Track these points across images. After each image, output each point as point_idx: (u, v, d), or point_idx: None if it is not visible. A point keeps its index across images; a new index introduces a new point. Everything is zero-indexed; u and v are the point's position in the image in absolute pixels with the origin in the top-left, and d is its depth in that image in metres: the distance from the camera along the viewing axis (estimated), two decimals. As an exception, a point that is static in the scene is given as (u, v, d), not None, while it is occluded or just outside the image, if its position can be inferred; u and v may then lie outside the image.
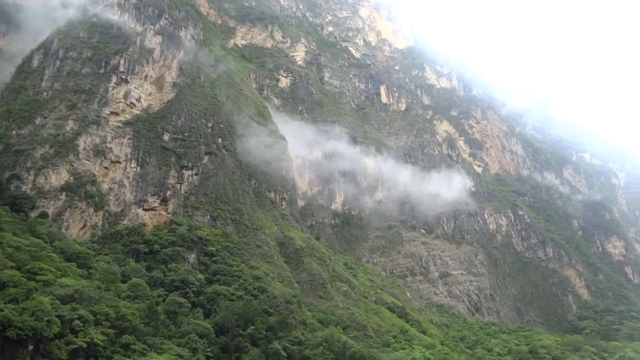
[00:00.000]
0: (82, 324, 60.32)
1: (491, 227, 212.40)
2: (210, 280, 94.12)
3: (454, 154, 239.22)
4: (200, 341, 73.20)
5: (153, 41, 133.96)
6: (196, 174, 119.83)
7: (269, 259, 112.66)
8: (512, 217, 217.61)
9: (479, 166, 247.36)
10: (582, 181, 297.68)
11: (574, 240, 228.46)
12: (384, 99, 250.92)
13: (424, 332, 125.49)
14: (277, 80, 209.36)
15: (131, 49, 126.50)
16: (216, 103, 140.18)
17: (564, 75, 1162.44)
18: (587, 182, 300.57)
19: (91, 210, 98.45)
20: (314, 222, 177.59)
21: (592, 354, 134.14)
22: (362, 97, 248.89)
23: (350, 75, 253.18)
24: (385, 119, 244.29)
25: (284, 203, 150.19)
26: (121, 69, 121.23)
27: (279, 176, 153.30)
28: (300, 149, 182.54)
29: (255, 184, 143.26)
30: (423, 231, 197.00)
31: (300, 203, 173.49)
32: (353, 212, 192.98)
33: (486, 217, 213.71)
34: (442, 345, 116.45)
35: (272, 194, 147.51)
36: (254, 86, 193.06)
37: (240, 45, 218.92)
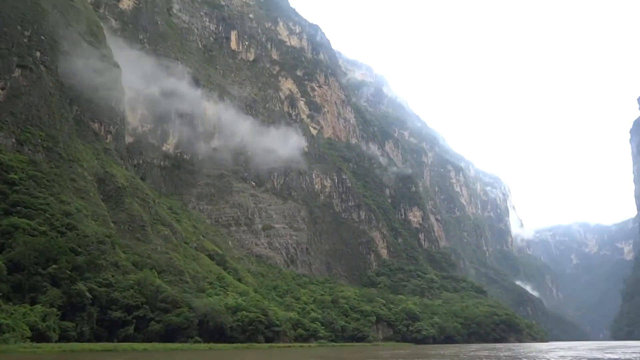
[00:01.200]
0: None
1: (317, 187, 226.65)
2: (8, 212, 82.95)
3: (293, 113, 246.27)
4: (-14, 278, 64.93)
5: None
6: (2, 89, 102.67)
7: (84, 195, 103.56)
8: (336, 180, 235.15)
9: (315, 128, 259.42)
10: (399, 156, 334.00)
11: (383, 206, 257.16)
12: (233, 45, 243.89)
13: (240, 280, 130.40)
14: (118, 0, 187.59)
15: None
16: (38, 10, 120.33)
17: (399, 57, 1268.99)
18: (402, 157, 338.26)
19: None
20: (141, 162, 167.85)
21: (381, 304, 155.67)
22: (211, 39, 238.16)
23: (202, 13, 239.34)
24: (232, 66, 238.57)
25: (109, 136, 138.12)
26: None
27: (107, 107, 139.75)
28: (135, 81, 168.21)
29: (77, 111, 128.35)
30: (253, 184, 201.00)
31: (129, 139, 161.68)
32: (185, 156, 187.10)
33: (314, 177, 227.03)
34: (256, 292, 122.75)
35: (96, 124, 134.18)
36: (89, 0, 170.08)
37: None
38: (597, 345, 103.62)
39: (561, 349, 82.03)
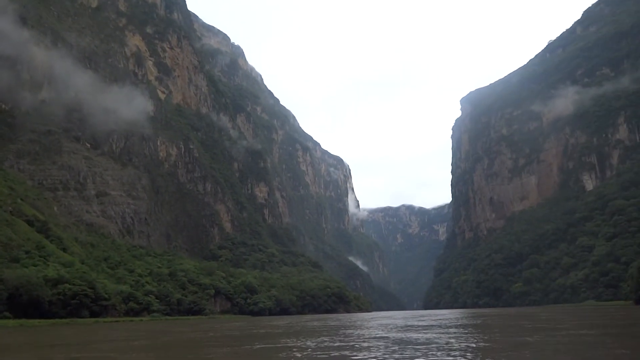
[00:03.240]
0: None
1: (161, 154, 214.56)
2: None
3: (140, 73, 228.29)
4: None
5: None
6: None
7: None
8: (183, 149, 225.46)
9: (163, 92, 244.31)
10: (250, 130, 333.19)
11: (231, 180, 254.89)
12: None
13: (65, 250, 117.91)
14: None
15: None
16: None
17: (257, 31, 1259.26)
18: (253, 132, 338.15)
19: None
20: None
21: (221, 277, 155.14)
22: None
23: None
24: (70, 10, 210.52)
25: None
26: None
27: None
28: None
29: None
30: (88, 145, 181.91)
31: None
32: (4, 107, 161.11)
33: (159, 144, 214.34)
34: (83, 264, 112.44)
35: None
36: None
37: None
38: (411, 314, 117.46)
39: (381, 317, 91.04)
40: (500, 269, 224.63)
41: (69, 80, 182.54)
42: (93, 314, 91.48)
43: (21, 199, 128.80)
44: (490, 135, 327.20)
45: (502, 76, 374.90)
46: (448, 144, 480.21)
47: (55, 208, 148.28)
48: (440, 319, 64.76)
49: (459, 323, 51.51)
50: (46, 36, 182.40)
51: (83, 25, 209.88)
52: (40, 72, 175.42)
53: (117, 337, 41.66)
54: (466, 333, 34.31)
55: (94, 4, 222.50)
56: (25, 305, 79.69)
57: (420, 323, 53.79)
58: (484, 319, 60.87)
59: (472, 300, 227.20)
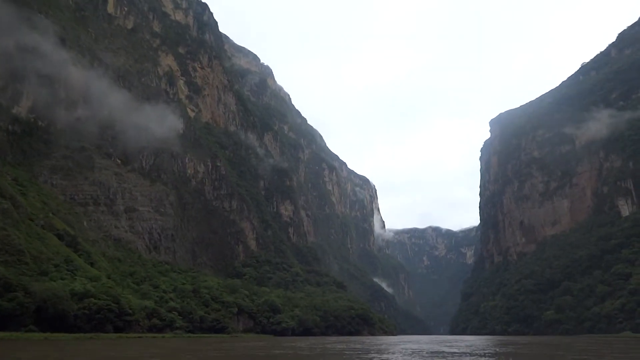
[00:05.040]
0: None
1: (189, 171, 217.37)
2: None
3: (171, 92, 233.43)
4: None
5: None
6: None
7: None
8: (210, 167, 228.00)
9: (193, 111, 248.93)
10: (277, 149, 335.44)
11: (257, 198, 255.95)
12: (110, 8, 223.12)
13: (92, 264, 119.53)
14: None
15: None
16: None
17: (286, 51, 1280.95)
18: (280, 151, 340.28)
19: None
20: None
21: (245, 296, 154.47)
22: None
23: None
24: (107, 31, 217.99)
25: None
26: None
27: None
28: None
29: None
30: (119, 161, 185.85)
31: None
32: (41, 123, 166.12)
33: (187, 161, 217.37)
34: (109, 278, 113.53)
35: None
36: None
37: None
38: (438, 340, 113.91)
39: (407, 341, 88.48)
40: (530, 295, 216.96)
41: (103, 98, 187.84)
42: (117, 329, 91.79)
43: (53, 213, 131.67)
44: (521, 157, 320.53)
45: (532, 99, 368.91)
46: (476, 165, 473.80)
47: (85, 223, 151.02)
48: (469, 346, 62.25)
49: (490, 351, 49.25)
50: (84, 57, 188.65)
51: (118, 46, 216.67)
52: (76, 90, 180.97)
53: (137, 354, 41.18)
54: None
55: (130, 26, 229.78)
56: (51, 318, 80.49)
57: (450, 350, 51.67)
58: (516, 348, 58.16)
59: (501, 327, 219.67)
